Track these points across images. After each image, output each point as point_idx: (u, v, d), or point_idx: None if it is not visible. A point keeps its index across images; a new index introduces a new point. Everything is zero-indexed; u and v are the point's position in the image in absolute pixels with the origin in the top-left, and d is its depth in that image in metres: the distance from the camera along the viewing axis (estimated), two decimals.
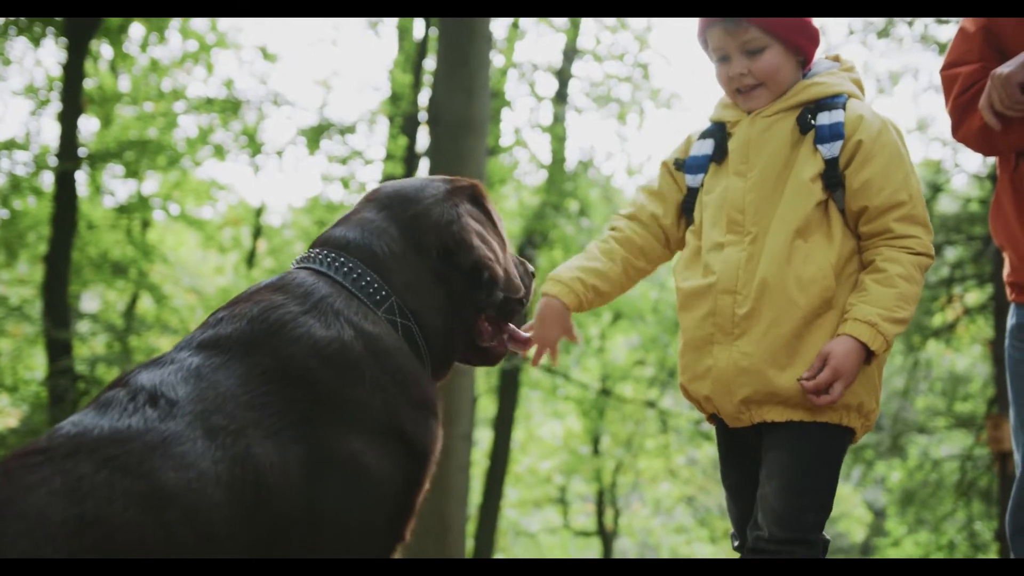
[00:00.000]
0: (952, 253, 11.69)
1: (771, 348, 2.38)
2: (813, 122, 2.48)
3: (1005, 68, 2.59)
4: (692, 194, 2.63)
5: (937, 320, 11.61)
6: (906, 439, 12.22)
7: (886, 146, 2.44)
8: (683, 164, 2.66)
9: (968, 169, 11.21)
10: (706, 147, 2.63)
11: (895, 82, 12.80)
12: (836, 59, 2.66)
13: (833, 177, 2.44)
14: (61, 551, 1.54)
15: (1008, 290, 2.88)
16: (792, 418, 2.39)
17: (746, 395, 2.40)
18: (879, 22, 11.82)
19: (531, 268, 2.39)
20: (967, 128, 2.80)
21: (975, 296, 11.87)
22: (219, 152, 12.82)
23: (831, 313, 2.40)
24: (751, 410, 2.42)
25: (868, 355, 2.34)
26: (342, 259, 2.03)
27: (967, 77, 2.77)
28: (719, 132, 2.62)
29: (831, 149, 2.45)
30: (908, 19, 11.49)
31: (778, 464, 2.40)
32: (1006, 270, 2.87)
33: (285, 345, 1.84)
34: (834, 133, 2.45)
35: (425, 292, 2.06)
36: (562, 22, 14.17)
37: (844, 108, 2.48)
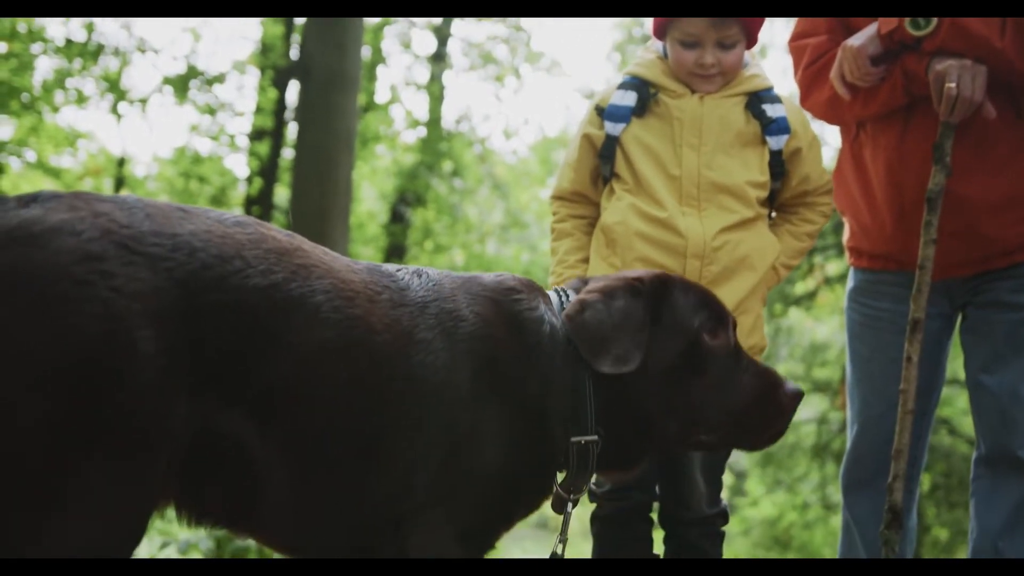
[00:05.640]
0: None
1: None
2: (767, 113, 2.74)
3: (855, 40, 2.62)
4: (611, 141, 2.73)
5: (799, 288, 11.94)
6: None
7: (813, 146, 2.81)
8: (603, 111, 2.78)
9: (833, 143, 11.52)
10: (628, 99, 2.75)
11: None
12: None
13: (779, 165, 2.76)
14: (237, 257, 1.60)
15: (848, 254, 2.96)
16: None
17: None
18: None
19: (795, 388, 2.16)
20: (816, 98, 2.85)
21: (835, 266, 12.24)
22: (80, 98, 12.23)
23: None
24: None
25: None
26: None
27: (815, 48, 2.82)
28: (643, 88, 2.75)
29: (778, 142, 2.75)
30: None
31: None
32: (846, 235, 2.93)
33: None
34: (781, 128, 2.75)
35: None
36: None
37: (780, 102, 2.77)
